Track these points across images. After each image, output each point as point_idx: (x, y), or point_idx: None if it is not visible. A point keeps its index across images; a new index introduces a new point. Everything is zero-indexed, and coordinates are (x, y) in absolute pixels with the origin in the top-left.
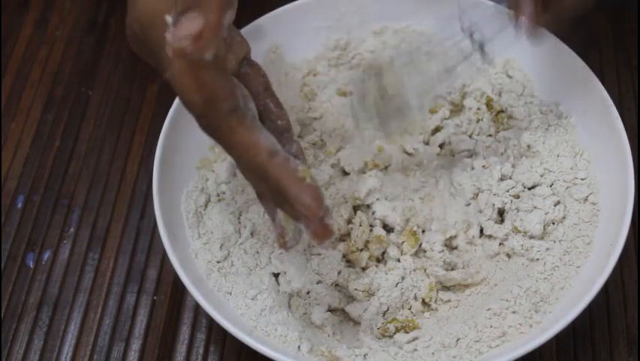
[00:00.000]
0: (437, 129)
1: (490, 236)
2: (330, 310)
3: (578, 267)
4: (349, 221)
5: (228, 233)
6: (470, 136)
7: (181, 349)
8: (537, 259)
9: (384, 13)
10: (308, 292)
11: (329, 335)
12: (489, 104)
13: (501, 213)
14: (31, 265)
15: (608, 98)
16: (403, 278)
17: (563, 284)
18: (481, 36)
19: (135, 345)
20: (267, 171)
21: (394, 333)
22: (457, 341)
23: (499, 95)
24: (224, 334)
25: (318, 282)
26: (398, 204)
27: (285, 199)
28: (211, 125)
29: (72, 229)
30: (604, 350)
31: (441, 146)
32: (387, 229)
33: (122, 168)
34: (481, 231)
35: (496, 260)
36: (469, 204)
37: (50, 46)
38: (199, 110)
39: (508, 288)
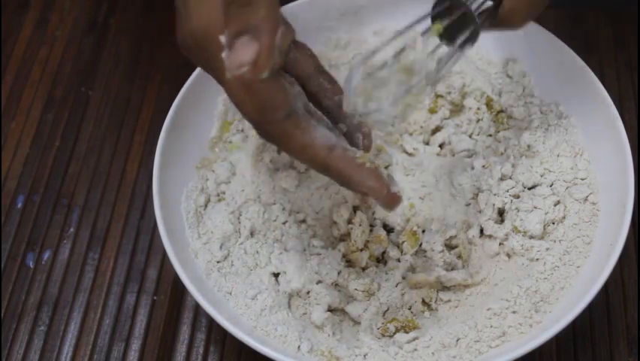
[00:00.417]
0: (437, 129)
1: (490, 236)
2: (330, 310)
3: (578, 267)
4: (349, 221)
5: (228, 233)
6: (470, 136)
7: (181, 349)
8: (537, 259)
9: (384, 13)
10: (308, 292)
11: (329, 335)
12: (489, 104)
13: (501, 213)
14: (31, 265)
15: (608, 98)
16: (403, 278)
17: (563, 284)
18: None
19: (135, 345)
20: (328, 165)
21: (394, 333)
22: (457, 341)
23: (499, 95)
24: (224, 334)
25: (318, 282)
26: None
27: (349, 185)
28: (268, 133)
29: (72, 229)
30: (604, 350)
31: (441, 146)
32: (388, 229)
33: (122, 168)
34: (481, 231)
35: (496, 260)
36: (469, 204)
37: (50, 46)
38: (256, 121)
39: (508, 288)
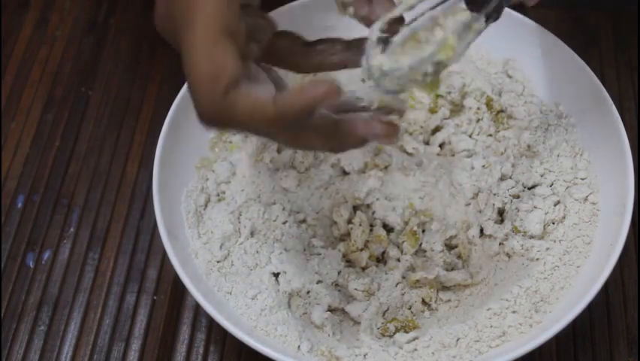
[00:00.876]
0: (437, 129)
1: (490, 236)
2: (330, 310)
3: (578, 267)
4: (349, 221)
5: (228, 233)
6: (470, 136)
7: (181, 349)
8: (537, 259)
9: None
10: (308, 292)
11: (329, 335)
12: (489, 104)
13: (501, 213)
14: (31, 265)
15: (608, 98)
16: (403, 278)
17: (563, 284)
18: None
19: (135, 345)
20: (283, 114)
21: (394, 333)
22: (457, 340)
23: (499, 95)
24: (224, 334)
25: (318, 282)
26: (398, 204)
27: (318, 128)
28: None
29: (72, 229)
30: (604, 350)
31: (441, 146)
32: (388, 228)
33: (122, 168)
34: (481, 231)
35: (496, 260)
36: (469, 204)
37: (50, 46)
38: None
39: (508, 288)
